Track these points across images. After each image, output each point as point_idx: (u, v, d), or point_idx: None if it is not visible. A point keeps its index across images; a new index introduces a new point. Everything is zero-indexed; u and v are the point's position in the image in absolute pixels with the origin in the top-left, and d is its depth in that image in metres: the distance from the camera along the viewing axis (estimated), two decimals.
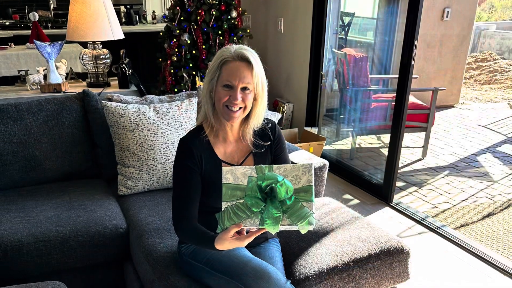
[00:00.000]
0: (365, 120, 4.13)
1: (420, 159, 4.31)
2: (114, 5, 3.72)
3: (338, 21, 4.27)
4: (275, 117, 3.89)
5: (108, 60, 3.72)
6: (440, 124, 5.44)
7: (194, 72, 4.23)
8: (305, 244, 1.95)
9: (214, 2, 4.06)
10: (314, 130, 4.00)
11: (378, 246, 1.92)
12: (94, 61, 3.65)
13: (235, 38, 4.25)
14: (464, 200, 3.53)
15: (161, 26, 5.35)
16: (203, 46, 4.20)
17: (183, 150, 1.70)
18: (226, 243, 1.44)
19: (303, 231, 1.41)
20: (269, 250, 1.77)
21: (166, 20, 4.37)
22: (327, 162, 2.53)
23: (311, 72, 4.03)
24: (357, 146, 4.23)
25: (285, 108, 4.41)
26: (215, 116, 1.69)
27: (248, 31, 4.40)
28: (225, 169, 1.45)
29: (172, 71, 4.29)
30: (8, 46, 4.99)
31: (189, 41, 4.18)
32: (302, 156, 2.56)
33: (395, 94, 3.24)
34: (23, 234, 2.05)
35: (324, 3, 3.92)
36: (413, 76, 3.10)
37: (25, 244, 2.02)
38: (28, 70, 3.89)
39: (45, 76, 3.54)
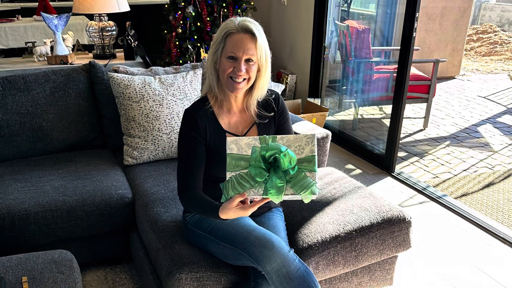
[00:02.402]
0: (367, 91, 4.06)
1: (421, 130, 4.25)
2: None
3: None
4: (279, 88, 3.80)
5: (114, 32, 3.61)
6: (441, 95, 5.35)
7: (198, 44, 4.13)
8: (308, 214, 1.90)
9: None
10: (317, 101, 3.93)
11: (380, 216, 1.88)
12: (100, 33, 3.54)
13: (239, 11, 4.14)
14: (464, 170, 3.47)
15: None
16: (208, 18, 4.08)
17: (187, 121, 1.65)
18: (230, 213, 1.40)
19: (306, 201, 1.36)
20: (273, 220, 1.74)
21: None
22: (329, 133, 2.47)
23: (314, 44, 3.95)
24: (359, 117, 4.19)
25: (288, 79, 4.33)
26: (220, 87, 1.64)
27: (252, 3, 4.29)
28: (229, 139, 1.42)
29: (177, 43, 4.19)
30: (15, 19, 4.87)
31: (193, 13, 4.06)
32: (305, 127, 2.49)
33: (396, 66, 3.18)
34: (30, 203, 1.99)
35: None
36: (414, 48, 3.03)
37: (32, 214, 1.97)
38: (35, 42, 3.79)
39: (52, 48, 3.45)
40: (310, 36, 3.91)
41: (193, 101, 1.77)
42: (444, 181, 3.26)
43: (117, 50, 3.81)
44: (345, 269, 1.83)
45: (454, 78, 6.00)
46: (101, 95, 2.52)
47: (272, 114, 1.73)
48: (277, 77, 4.53)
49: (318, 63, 3.99)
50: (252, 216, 1.61)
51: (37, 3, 4.92)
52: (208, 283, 1.60)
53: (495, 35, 7.72)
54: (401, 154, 3.69)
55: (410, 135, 4.10)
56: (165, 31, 4.39)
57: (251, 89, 1.66)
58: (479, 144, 3.97)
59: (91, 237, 2.16)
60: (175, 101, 2.38)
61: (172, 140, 2.37)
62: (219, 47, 1.58)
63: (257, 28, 1.56)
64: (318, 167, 1.70)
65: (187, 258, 1.63)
